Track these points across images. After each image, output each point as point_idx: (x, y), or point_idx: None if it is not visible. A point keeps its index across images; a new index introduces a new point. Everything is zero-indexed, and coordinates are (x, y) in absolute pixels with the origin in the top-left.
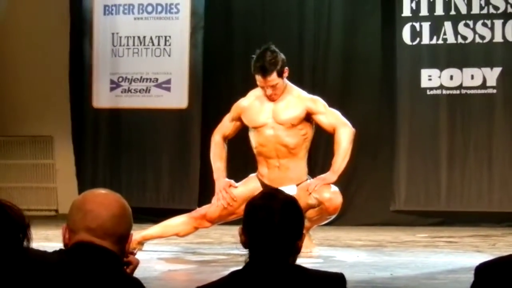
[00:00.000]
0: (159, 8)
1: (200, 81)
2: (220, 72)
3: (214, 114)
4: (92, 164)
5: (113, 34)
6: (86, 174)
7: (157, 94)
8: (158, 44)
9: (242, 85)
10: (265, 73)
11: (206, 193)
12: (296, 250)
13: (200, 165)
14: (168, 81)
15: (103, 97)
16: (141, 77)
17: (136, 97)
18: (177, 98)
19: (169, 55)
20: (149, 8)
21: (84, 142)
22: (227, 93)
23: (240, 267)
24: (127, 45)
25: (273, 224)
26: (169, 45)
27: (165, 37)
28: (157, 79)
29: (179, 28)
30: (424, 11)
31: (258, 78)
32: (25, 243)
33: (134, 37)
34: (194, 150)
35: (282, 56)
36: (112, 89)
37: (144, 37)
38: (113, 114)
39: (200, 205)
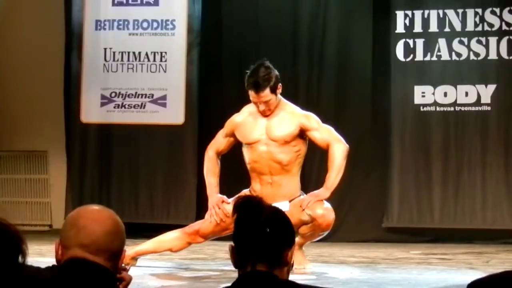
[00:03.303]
0: (155, 24)
1: (196, 97)
2: (217, 89)
3: (210, 130)
4: (82, 179)
5: (105, 49)
6: (77, 189)
7: (152, 110)
8: (154, 60)
9: (238, 101)
10: (258, 88)
11: (203, 209)
12: (286, 262)
13: (197, 181)
14: (164, 97)
15: (92, 112)
16: (136, 92)
17: (130, 113)
18: (173, 114)
19: (165, 71)
20: (145, 24)
21: (74, 157)
22: (223, 109)
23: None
24: (121, 60)
25: (259, 222)
26: (165, 61)
27: (161, 53)
28: (152, 95)
29: (175, 44)
30: (418, 28)
31: (251, 93)
32: (20, 260)
33: (129, 52)
34: (191, 166)
35: (275, 72)
36: (103, 104)
37: (140, 52)
38: (103, 129)
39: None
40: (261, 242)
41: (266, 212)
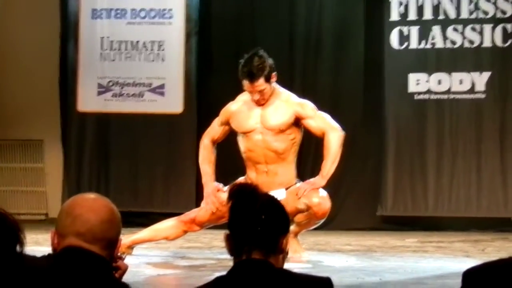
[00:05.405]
0: (152, 13)
1: (195, 86)
2: (215, 77)
3: (209, 119)
4: (79, 168)
5: (102, 38)
6: (74, 179)
7: (151, 98)
8: (152, 49)
9: (237, 90)
10: (252, 78)
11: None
12: (281, 249)
13: (196, 169)
14: (162, 86)
15: (89, 101)
16: (134, 81)
17: (128, 102)
18: (171, 103)
19: (163, 60)
20: (142, 13)
21: (71, 146)
22: (221, 98)
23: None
24: (119, 49)
25: (254, 209)
26: (163, 50)
27: (159, 42)
28: (151, 84)
29: (173, 33)
30: (412, 16)
31: (245, 83)
32: (18, 249)
33: (126, 41)
34: (190, 155)
35: (270, 61)
36: (100, 93)
37: (138, 41)
38: (101, 118)
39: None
40: (257, 229)
41: (262, 199)
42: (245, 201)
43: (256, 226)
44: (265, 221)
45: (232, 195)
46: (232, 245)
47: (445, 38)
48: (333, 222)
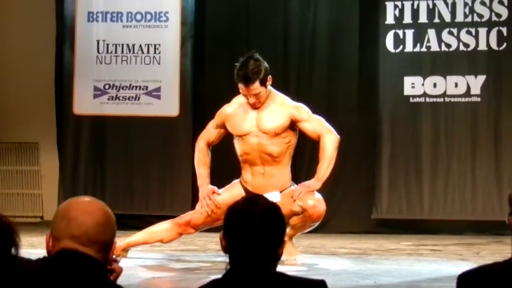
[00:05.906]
0: (148, 16)
1: (190, 89)
2: (211, 80)
3: (205, 122)
4: (75, 171)
5: (98, 41)
6: (70, 181)
7: (147, 101)
8: (148, 52)
9: (232, 93)
10: (247, 82)
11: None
12: (277, 257)
13: (192, 172)
14: (158, 89)
15: (85, 104)
16: (130, 84)
17: (124, 105)
18: (167, 106)
19: (159, 63)
20: (138, 16)
21: (67, 149)
22: (217, 101)
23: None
24: (115, 52)
25: (252, 229)
26: (159, 53)
27: (155, 45)
28: (147, 87)
29: (168, 37)
30: (407, 19)
31: (241, 86)
32: (13, 252)
33: (123, 44)
34: (186, 158)
35: (265, 64)
36: (96, 96)
37: (134, 44)
38: (97, 121)
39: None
40: (254, 246)
41: (260, 218)
42: (242, 227)
43: (255, 246)
44: (263, 239)
45: (229, 218)
46: (227, 246)
47: (440, 41)
48: (328, 225)
